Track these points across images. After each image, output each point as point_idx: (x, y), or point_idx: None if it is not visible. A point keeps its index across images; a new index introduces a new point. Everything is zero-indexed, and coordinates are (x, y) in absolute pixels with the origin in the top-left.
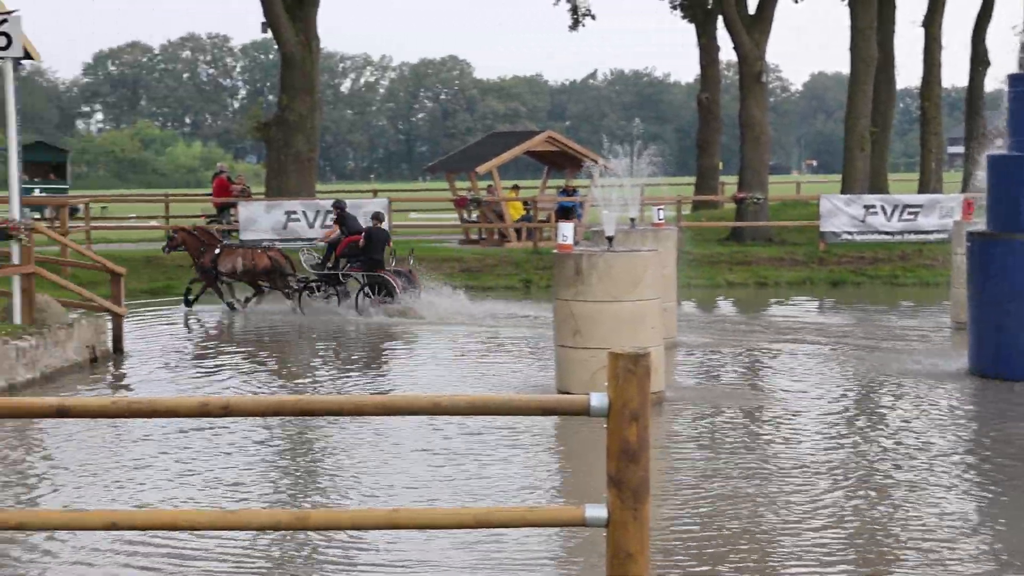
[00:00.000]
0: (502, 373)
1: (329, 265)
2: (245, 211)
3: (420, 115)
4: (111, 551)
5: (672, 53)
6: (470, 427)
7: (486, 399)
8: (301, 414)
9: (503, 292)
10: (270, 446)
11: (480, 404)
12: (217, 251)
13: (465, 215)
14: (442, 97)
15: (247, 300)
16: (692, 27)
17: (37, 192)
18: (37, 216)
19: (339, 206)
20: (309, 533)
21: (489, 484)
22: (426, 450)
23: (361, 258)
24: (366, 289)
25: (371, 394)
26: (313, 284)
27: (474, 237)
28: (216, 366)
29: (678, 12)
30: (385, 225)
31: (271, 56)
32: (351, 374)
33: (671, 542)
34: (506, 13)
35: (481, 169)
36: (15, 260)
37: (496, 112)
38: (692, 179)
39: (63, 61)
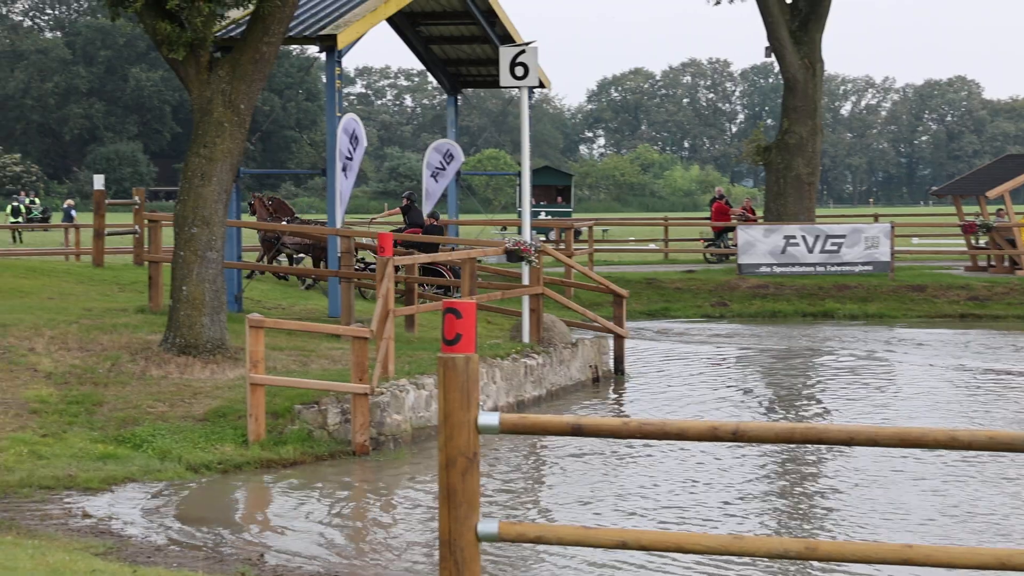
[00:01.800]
0: (993, 407)
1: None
2: (744, 235)
3: (923, 137)
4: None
5: None
6: (951, 462)
7: (1011, 435)
8: (813, 442)
9: (1014, 322)
10: (762, 472)
11: (1004, 440)
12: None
13: (973, 241)
14: (948, 119)
15: (307, 285)
16: None
17: (543, 215)
18: (543, 238)
19: (410, 198)
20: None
21: (991, 524)
22: (929, 483)
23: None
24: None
25: (882, 424)
26: (371, 267)
27: (982, 264)
28: (714, 389)
29: None
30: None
31: (771, 80)
32: (845, 402)
33: None
34: (1020, 30)
35: (992, 193)
36: (525, 281)
37: (1007, 134)
38: None
39: (569, 88)
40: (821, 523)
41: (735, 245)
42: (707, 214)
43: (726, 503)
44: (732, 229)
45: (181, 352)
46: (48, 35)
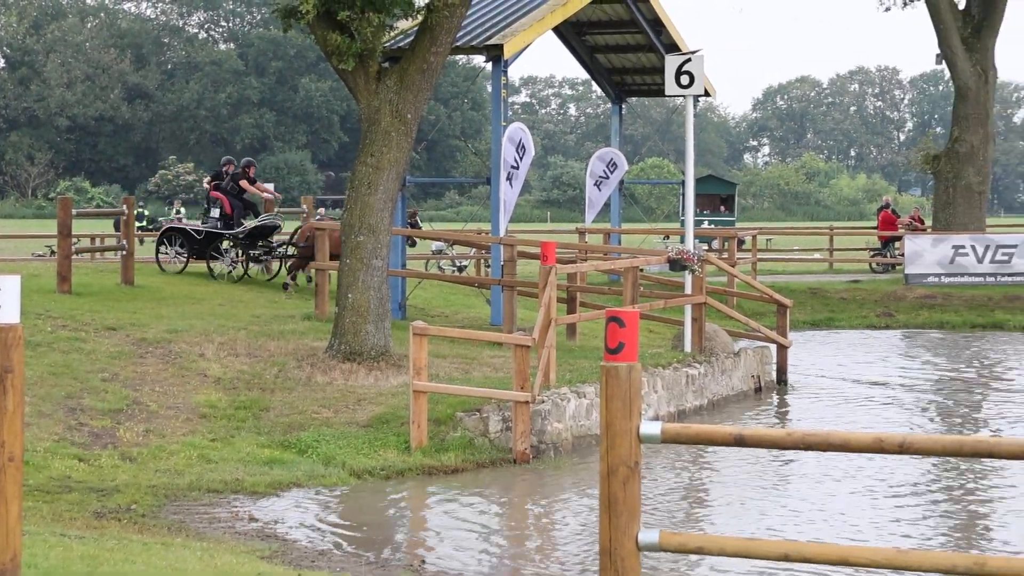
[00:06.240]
0: None
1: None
2: (911, 245)
3: None
4: None
5: None
6: None
7: None
8: (983, 455)
9: None
10: (926, 486)
11: None
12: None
13: None
14: None
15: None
16: None
17: (706, 224)
18: (706, 247)
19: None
20: None
21: None
22: None
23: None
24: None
25: None
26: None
27: None
28: (878, 401)
29: None
30: None
31: (940, 88)
32: (1016, 417)
33: None
34: None
35: None
36: (687, 290)
37: None
38: None
39: (734, 97)
40: (990, 539)
41: (902, 255)
42: (873, 223)
43: (889, 518)
44: (899, 239)
45: (346, 359)
46: (222, 47)
